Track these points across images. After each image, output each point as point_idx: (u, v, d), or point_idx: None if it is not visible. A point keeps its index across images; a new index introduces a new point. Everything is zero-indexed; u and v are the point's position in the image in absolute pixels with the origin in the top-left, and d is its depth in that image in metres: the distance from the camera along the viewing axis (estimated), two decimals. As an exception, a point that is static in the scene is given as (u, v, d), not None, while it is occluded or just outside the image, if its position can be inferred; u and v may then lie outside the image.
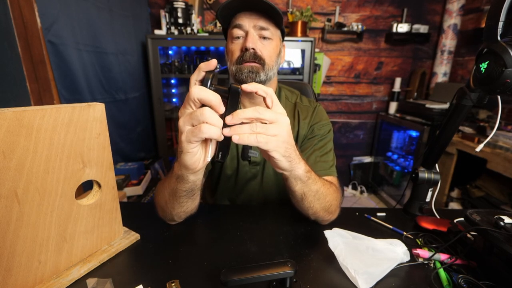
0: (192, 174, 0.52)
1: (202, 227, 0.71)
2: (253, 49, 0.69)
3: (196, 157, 0.46)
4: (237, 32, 0.70)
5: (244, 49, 0.69)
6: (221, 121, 0.41)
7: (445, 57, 2.38)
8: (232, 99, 0.39)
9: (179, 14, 1.97)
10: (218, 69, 0.49)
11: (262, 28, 0.70)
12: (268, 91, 0.44)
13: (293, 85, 1.05)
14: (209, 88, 0.37)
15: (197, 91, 0.39)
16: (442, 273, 0.54)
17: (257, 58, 0.69)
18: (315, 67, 2.26)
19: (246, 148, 0.80)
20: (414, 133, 2.23)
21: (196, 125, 0.41)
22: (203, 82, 0.37)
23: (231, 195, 0.89)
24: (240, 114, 0.41)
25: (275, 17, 0.69)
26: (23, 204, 0.44)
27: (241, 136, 0.41)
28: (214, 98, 0.40)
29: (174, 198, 0.59)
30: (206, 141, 0.47)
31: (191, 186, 0.56)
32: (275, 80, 0.81)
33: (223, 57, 2.16)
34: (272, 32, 0.71)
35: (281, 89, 0.86)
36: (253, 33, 0.69)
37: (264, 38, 0.71)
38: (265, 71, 0.71)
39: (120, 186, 1.62)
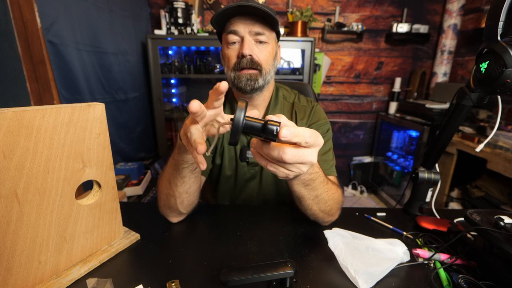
0: None
1: (202, 227, 0.71)
2: (250, 55, 0.69)
3: None
4: (233, 37, 0.70)
5: (241, 56, 0.69)
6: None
7: (445, 57, 2.37)
8: (268, 136, 0.35)
9: (179, 14, 1.97)
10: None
11: (258, 33, 0.69)
12: (303, 141, 0.37)
13: (293, 85, 1.05)
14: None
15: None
16: (442, 273, 0.54)
17: (254, 64, 0.69)
18: (315, 67, 2.26)
19: (244, 149, 0.80)
20: (414, 133, 2.23)
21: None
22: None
23: (231, 195, 0.90)
24: (284, 157, 0.37)
25: (270, 20, 0.69)
26: (23, 204, 0.44)
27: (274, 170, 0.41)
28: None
29: (177, 172, 0.59)
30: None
31: None
32: (273, 81, 0.81)
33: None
34: (268, 35, 0.71)
35: (279, 89, 0.85)
36: (249, 38, 0.69)
37: (260, 42, 0.71)
38: (262, 76, 0.71)
39: (120, 186, 1.62)
